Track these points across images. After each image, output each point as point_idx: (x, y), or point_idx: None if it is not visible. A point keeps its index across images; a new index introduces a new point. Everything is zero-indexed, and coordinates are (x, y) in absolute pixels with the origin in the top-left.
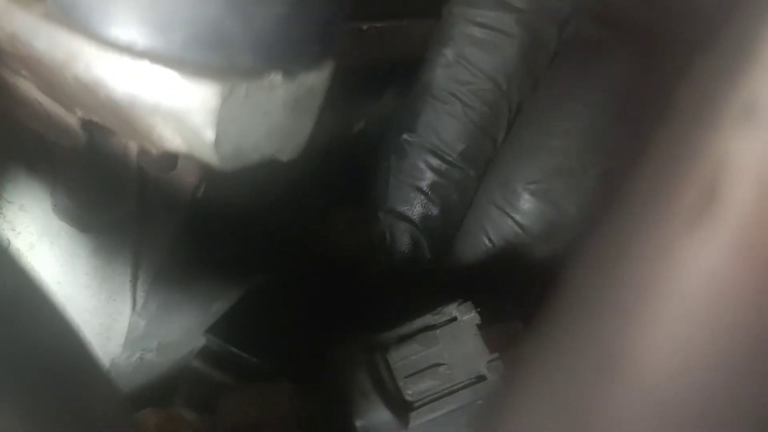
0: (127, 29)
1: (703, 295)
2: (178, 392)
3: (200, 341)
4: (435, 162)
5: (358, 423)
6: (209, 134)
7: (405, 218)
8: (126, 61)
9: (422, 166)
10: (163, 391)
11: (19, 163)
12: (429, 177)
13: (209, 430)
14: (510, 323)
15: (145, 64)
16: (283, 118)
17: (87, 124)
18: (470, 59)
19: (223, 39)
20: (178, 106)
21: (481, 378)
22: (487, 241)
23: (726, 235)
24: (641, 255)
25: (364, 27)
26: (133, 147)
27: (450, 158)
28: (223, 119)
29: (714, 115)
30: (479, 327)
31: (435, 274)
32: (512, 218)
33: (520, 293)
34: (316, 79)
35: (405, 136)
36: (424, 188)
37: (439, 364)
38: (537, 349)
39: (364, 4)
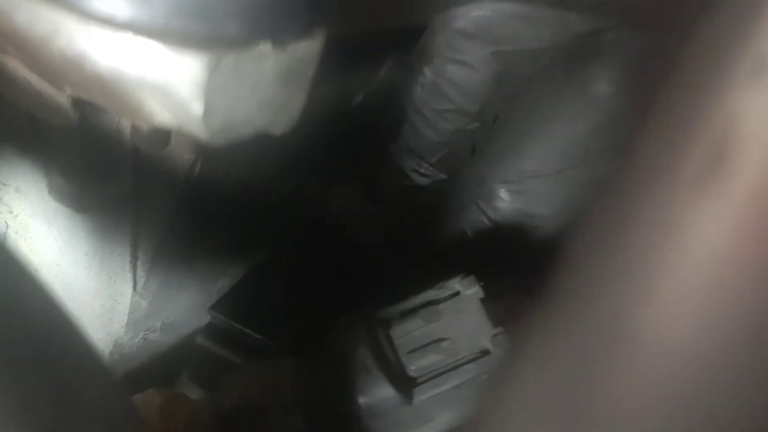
0: (109, 1)
1: (711, 262)
2: (182, 370)
3: (204, 320)
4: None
5: (362, 399)
6: (197, 107)
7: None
8: (108, 33)
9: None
10: (167, 370)
11: (12, 145)
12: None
13: (213, 410)
14: (514, 296)
15: (127, 36)
16: (273, 90)
17: (77, 102)
18: (443, 87)
19: (208, 7)
20: (164, 79)
21: (485, 352)
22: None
23: (736, 199)
24: (647, 221)
25: None
26: (125, 125)
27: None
28: (211, 91)
29: (722, 73)
30: (482, 301)
31: (435, 250)
32: (487, 216)
33: (508, 264)
34: (308, 49)
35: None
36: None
37: (442, 339)
38: (540, 321)
39: None
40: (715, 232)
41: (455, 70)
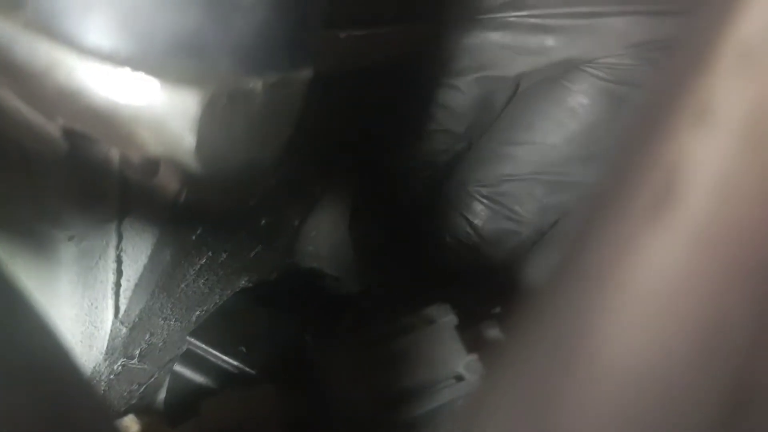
0: (108, 37)
1: (659, 288)
2: (161, 398)
3: (183, 347)
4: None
5: (340, 424)
6: (190, 140)
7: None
8: (107, 68)
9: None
10: (146, 397)
11: None
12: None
13: None
14: (487, 323)
15: (126, 72)
16: (262, 124)
17: (68, 132)
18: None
19: (202, 46)
20: (159, 113)
21: (459, 378)
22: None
23: (681, 232)
24: (603, 249)
25: (342, 35)
26: (114, 154)
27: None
28: (203, 125)
29: (670, 118)
30: (457, 328)
31: (404, 277)
32: (466, 219)
33: (482, 293)
34: (295, 86)
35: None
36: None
37: (418, 365)
38: (508, 344)
39: (341, 12)
40: (664, 257)
41: (443, 93)
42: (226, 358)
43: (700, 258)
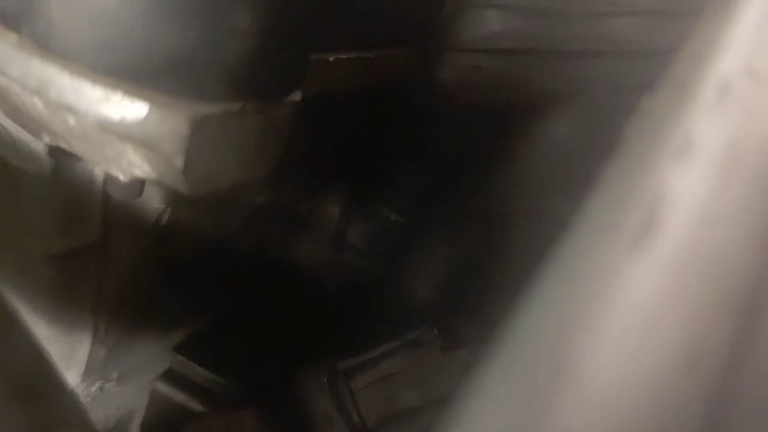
0: (101, 59)
1: (641, 313)
2: (140, 418)
3: (162, 369)
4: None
5: None
6: (179, 162)
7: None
8: (98, 89)
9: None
10: (124, 419)
11: None
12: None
13: None
14: (474, 346)
15: (117, 92)
16: (251, 147)
17: (53, 150)
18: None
19: (194, 70)
20: (149, 135)
21: (445, 402)
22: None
23: (662, 259)
24: (587, 275)
25: (331, 59)
26: (99, 173)
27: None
28: (193, 147)
29: (654, 151)
30: (443, 351)
31: (394, 300)
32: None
33: (469, 316)
34: (284, 109)
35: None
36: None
37: (403, 390)
38: (495, 368)
39: (331, 36)
40: (647, 284)
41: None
42: (210, 374)
43: (681, 285)
